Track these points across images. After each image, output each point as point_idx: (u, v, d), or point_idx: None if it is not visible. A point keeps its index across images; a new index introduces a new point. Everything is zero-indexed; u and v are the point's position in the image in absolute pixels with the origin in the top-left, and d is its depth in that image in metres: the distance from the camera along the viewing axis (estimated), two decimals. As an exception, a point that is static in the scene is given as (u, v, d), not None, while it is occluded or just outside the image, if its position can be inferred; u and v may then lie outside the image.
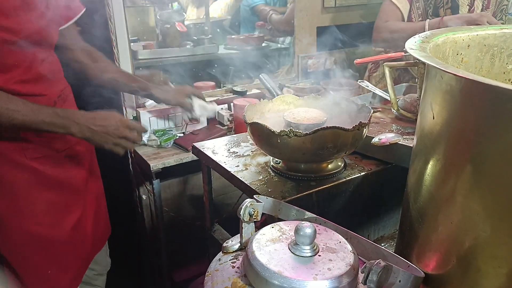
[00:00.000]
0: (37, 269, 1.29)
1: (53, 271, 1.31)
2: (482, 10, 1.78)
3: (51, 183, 1.26)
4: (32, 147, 1.20)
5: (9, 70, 1.09)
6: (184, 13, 2.60)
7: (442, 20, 1.71)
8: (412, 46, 0.61)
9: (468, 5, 1.77)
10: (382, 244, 1.08)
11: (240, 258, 0.65)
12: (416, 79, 1.19)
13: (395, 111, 1.24)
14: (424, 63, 1.11)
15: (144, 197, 1.94)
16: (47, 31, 1.17)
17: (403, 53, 1.43)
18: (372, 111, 0.94)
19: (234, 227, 1.20)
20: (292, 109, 1.03)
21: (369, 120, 0.91)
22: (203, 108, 1.50)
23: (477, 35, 0.76)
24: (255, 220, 0.68)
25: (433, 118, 0.54)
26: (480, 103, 0.45)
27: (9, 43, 1.05)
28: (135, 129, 1.25)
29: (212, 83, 2.22)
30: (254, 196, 0.70)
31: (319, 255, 0.59)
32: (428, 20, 1.76)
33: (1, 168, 1.17)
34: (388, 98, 1.39)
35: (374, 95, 1.43)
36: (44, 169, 1.23)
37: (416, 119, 1.17)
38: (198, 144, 1.19)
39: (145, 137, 1.83)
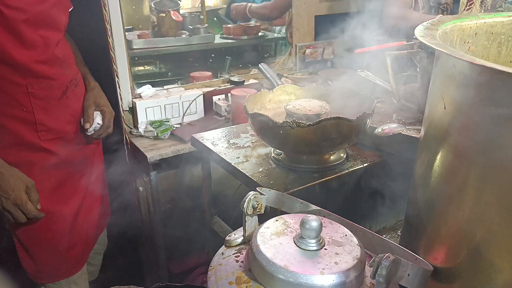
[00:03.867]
0: (47, 244, 1.35)
1: (63, 247, 1.37)
2: None
3: (61, 163, 1.33)
4: (46, 130, 1.27)
5: (29, 48, 1.16)
6: (179, 2, 2.55)
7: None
8: (422, 33, 0.59)
9: None
10: (384, 236, 1.07)
11: (244, 252, 0.63)
12: (418, 68, 1.17)
13: (396, 101, 1.23)
14: (428, 52, 1.09)
15: (141, 189, 1.92)
16: (54, 13, 1.23)
17: (404, 42, 1.40)
18: (376, 101, 0.92)
19: (232, 219, 1.19)
20: (293, 100, 1.01)
21: (373, 110, 0.90)
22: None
23: (484, 22, 0.74)
24: (258, 213, 0.66)
25: (444, 108, 0.52)
26: (497, 92, 0.44)
27: (19, 21, 1.12)
28: (22, 208, 1.19)
29: (209, 73, 2.19)
30: (257, 188, 0.69)
31: (325, 249, 0.58)
32: (440, 16, 1.74)
33: (18, 149, 1.24)
34: (388, 88, 1.37)
35: (374, 85, 1.41)
36: (56, 150, 1.31)
37: (417, 109, 1.17)
38: (197, 136, 1.17)
39: (141, 128, 1.80)
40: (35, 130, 1.25)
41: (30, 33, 1.15)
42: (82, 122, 1.37)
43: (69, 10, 1.37)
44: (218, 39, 2.51)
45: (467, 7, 1.68)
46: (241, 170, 0.96)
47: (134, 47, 2.09)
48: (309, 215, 0.58)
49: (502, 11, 1.75)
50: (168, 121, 1.84)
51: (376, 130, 0.94)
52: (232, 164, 0.99)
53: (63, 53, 1.28)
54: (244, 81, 2.09)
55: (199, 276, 1.86)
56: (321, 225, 0.57)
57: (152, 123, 1.81)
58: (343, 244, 0.59)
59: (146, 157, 1.63)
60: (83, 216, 1.42)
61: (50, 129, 1.27)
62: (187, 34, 2.36)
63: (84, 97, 1.40)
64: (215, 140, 1.14)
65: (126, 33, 1.83)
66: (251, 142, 1.12)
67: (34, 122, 1.24)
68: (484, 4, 1.69)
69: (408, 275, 0.53)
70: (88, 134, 1.37)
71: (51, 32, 1.21)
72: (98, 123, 1.39)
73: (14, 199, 1.16)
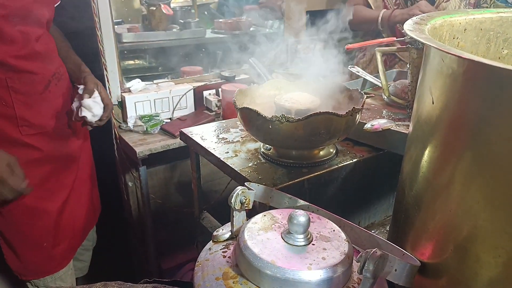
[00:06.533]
0: (31, 241, 1.33)
1: (48, 243, 1.35)
2: None
3: (45, 159, 1.30)
4: (27, 125, 1.23)
5: (7, 43, 1.13)
6: (170, -5, 2.52)
7: (392, 13, 1.78)
8: (410, 28, 0.58)
9: None
10: (373, 231, 1.08)
11: (231, 248, 0.63)
12: (408, 64, 1.17)
13: (386, 97, 1.23)
14: (418, 48, 1.09)
15: (130, 184, 1.90)
16: (36, 8, 1.19)
17: (394, 38, 1.41)
18: (365, 97, 0.92)
19: (222, 214, 1.19)
20: (283, 94, 1.00)
21: (362, 106, 0.89)
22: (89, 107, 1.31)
23: (473, 18, 0.74)
24: (246, 208, 0.66)
25: (433, 103, 0.52)
26: (484, 87, 0.43)
27: None
28: (8, 186, 1.15)
29: (200, 68, 2.17)
30: (245, 183, 0.68)
31: (313, 244, 0.57)
32: (383, 10, 1.82)
33: None
34: (378, 84, 1.38)
35: (364, 80, 1.42)
36: (39, 146, 1.27)
37: (407, 105, 1.17)
38: (186, 130, 1.16)
39: (130, 123, 1.79)
40: (16, 125, 1.21)
41: (9, 28, 1.12)
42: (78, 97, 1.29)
43: (55, 5, 1.34)
44: (209, 34, 2.49)
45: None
46: (230, 165, 0.95)
47: (124, 40, 2.06)
48: (297, 210, 0.57)
49: (486, 7, 1.76)
50: (158, 116, 1.82)
51: (365, 126, 0.94)
52: (221, 159, 0.99)
53: (45, 48, 1.25)
54: (235, 76, 2.08)
55: (189, 271, 1.86)
56: (309, 220, 0.57)
57: (141, 117, 1.79)
58: (331, 240, 0.59)
59: (135, 152, 1.62)
60: (69, 212, 1.40)
61: (31, 124, 1.24)
62: (178, 28, 2.34)
63: (84, 79, 1.34)
64: (204, 134, 1.13)
65: (116, 26, 1.81)
66: (241, 137, 1.11)
67: (15, 116, 1.20)
68: None
69: (395, 270, 0.53)
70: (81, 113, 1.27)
71: (31, 27, 1.18)
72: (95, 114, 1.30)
73: None
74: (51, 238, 1.35)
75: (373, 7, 1.90)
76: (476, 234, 0.48)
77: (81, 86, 1.32)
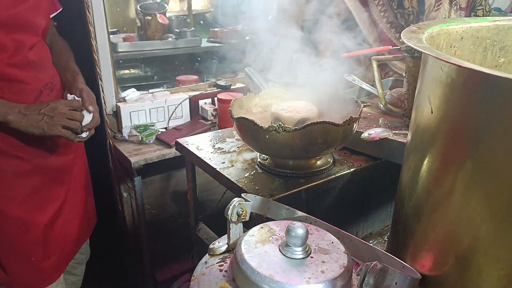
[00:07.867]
0: (19, 254, 1.29)
1: (36, 257, 1.31)
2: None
3: (35, 170, 1.27)
4: (16, 135, 1.19)
5: None
6: (166, 5, 2.52)
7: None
8: (408, 36, 0.58)
9: None
10: (371, 241, 1.07)
11: (228, 261, 0.61)
12: (404, 73, 1.17)
13: (382, 105, 1.23)
14: (414, 57, 1.09)
15: (125, 194, 1.88)
16: (31, 16, 1.17)
17: (390, 47, 1.41)
18: (362, 106, 0.92)
19: (218, 224, 1.17)
20: (280, 102, 1.00)
21: (359, 115, 0.89)
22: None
23: (470, 27, 0.74)
24: (243, 220, 0.65)
25: (432, 113, 0.51)
26: (484, 96, 0.43)
27: None
28: (72, 107, 1.20)
29: (195, 77, 2.17)
30: (242, 194, 0.67)
31: (312, 257, 0.56)
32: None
33: None
34: (374, 92, 1.37)
35: (360, 89, 1.41)
36: (28, 157, 1.24)
37: (403, 114, 1.17)
38: (181, 140, 1.15)
39: (125, 133, 1.77)
40: (5, 135, 1.18)
41: (1, 36, 1.09)
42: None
43: (52, 14, 1.32)
44: (205, 43, 2.49)
45: (435, 8, 1.68)
46: (226, 175, 0.94)
47: (119, 50, 2.06)
48: (294, 222, 0.56)
49: (482, 9, 1.74)
50: (153, 126, 1.81)
51: (363, 135, 0.93)
52: (217, 169, 0.97)
53: (39, 57, 1.22)
54: (230, 85, 2.08)
55: (184, 283, 1.83)
56: (307, 233, 0.56)
57: (136, 127, 1.77)
58: (330, 252, 0.57)
59: (130, 162, 1.60)
60: (60, 224, 1.36)
61: (21, 134, 1.19)
62: (174, 37, 2.34)
63: (78, 83, 1.30)
64: (200, 144, 1.11)
65: (111, 35, 1.80)
66: (237, 147, 1.10)
67: (3, 127, 1.15)
68: (456, 3, 1.69)
69: (396, 283, 0.52)
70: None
71: (25, 35, 1.16)
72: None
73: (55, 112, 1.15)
74: (40, 251, 1.31)
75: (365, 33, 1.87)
76: (478, 246, 0.47)
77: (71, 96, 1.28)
